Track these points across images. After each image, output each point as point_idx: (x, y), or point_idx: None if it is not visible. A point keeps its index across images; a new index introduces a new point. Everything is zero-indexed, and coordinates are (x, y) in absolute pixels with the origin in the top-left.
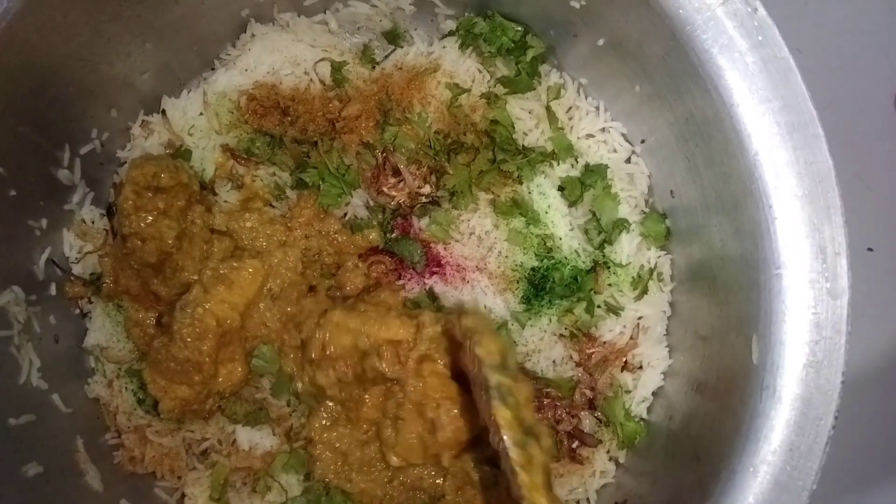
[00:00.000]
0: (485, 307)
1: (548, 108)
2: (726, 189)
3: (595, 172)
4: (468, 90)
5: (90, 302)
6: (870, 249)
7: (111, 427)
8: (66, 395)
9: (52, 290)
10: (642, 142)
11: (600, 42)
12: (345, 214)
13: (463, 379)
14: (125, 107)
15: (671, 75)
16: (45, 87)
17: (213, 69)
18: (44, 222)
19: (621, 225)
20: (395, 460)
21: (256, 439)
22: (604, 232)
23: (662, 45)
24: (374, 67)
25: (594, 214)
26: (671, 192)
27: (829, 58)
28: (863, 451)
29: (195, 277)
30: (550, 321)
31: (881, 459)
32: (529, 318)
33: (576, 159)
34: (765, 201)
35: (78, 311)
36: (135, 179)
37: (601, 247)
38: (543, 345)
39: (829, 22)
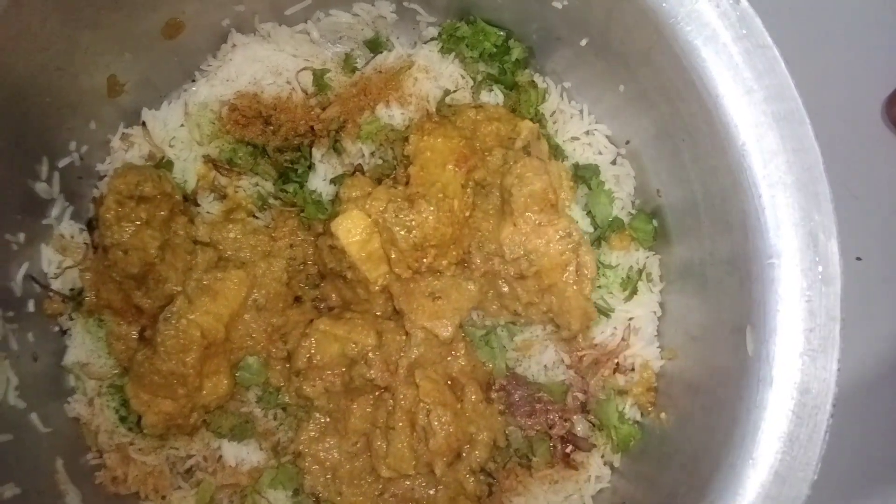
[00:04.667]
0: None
1: (535, 112)
2: (714, 183)
3: (588, 169)
4: (454, 91)
5: (70, 318)
6: (858, 259)
7: (92, 447)
8: (45, 414)
9: (31, 306)
10: (627, 143)
11: (583, 42)
12: None
13: (455, 386)
14: (104, 119)
15: (655, 71)
16: (21, 99)
17: (193, 80)
18: (21, 237)
19: (616, 224)
20: (385, 472)
21: (243, 454)
22: (599, 228)
23: (646, 41)
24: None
25: (589, 213)
26: (658, 191)
27: (816, 67)
28: (855, 458)
29: (178, 289)
30: (545, 328)
31: (872, 467)
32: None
33: (562, 161)
34: (754, 191)
35: (57, 328)
36: (117, 188)
37: (597, 244)
38: (534, 350)
39: (817, 32)
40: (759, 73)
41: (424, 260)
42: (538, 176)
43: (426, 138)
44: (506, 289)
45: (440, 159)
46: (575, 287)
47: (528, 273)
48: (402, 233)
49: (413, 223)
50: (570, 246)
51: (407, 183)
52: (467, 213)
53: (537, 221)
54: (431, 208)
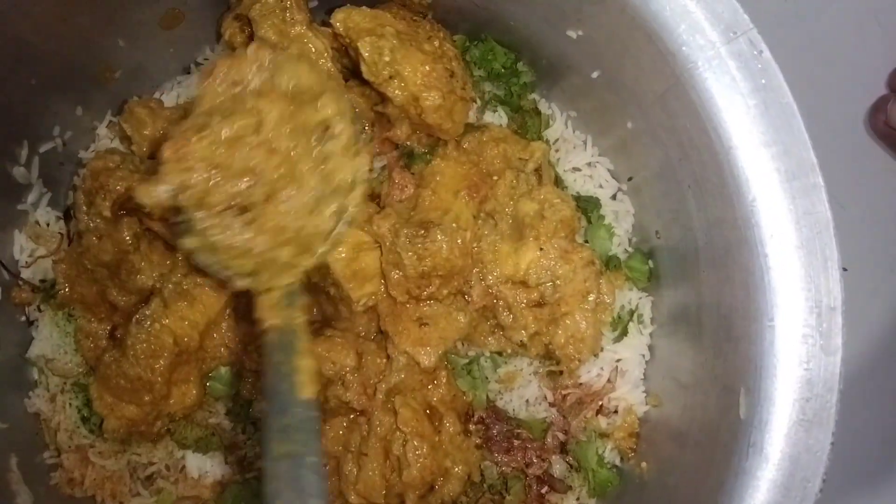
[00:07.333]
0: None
1: (540, 137)
2: (718, 234)
3: (589, 201)
4: None
5: (39, 310)
6: (845, 269)
7: (50, 445)
8: (2, 408)
9: None
10: (630, 179)
11: (595, 75)
12: None
13: (433, 415)
14: (92, 105)
15: (668, 114)
16: (4, 78)
17: (188, 72)
18: None
19: (613, 261)
20: (354, 498)
21: (207, 467)
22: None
23: (661, 83)
24: None
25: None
26: (656, 232)
27: (801, 75)
28: (835, 470)
29: (150, 283)
30: (531, 363)
31: (850, 480)
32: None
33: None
34: (760, 249)
35: (24, 318)
36: (95, 170)
37: None
38: (517, 383)
39: (801, 39)
40: (776, 128)
41: (429, 288)
42: (566, 203)
43: (436, 161)
44: (509, 318)
45: (451, 185)
46: (593, 315)
47: (551, 300)
48: (414, 259)
49: (426, 252)
50: (593, 275)
51: (414, 205)
52: (475, 245)
53: (565, 248)
54: (446, 238)
